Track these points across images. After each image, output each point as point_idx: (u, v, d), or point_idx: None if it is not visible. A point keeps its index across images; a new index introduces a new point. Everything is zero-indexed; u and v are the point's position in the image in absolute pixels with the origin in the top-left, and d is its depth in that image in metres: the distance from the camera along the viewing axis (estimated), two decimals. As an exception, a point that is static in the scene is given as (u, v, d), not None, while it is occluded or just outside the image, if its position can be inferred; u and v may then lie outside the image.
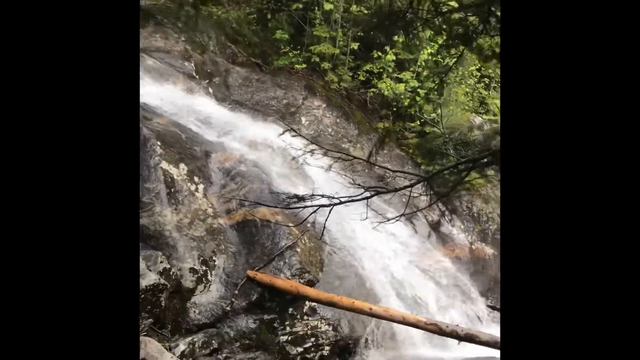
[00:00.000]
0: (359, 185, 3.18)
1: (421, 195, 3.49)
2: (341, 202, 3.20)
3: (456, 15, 3.37)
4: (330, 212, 3.27)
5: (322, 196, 3.15)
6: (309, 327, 7.36)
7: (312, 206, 3.17)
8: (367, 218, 3.35)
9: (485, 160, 2.86)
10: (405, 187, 3.24)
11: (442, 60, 9.99)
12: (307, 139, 3.68)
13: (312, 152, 3.30)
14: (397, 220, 3.52)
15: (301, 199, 3.17)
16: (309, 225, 7.60)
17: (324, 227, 3.46)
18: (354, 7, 9.56)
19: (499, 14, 2.97)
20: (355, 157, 3.60)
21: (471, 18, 3.22)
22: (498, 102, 10.91)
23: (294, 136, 3.75)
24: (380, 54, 9.87)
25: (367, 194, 3.19)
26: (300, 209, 3.18)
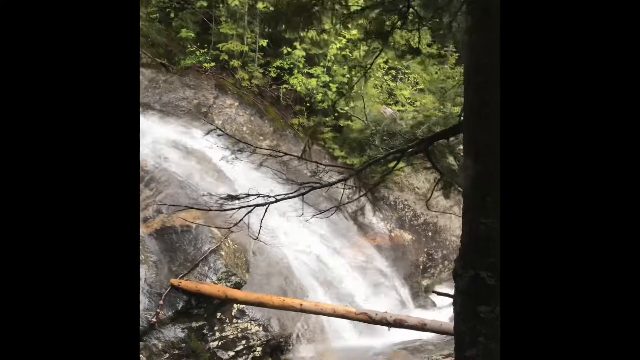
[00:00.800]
0: (292, 181, 3.14)
1: (349, 188, 3.51)
2: (277, 200, 3.16)
3: (372, 13, 3.41)
4: (266, 211, 3.21)
5: (258, 195, 3.08)
6: (239, 329, 7.28)
7: (247, 206, 3.09)
8: (303, 214, 3.33)
9: (411, 150, 2.92)
10: (339, 181, 3.25)
11: (350, 54, 10.17)
12: (235, 137, 3.57)
13: (241, 150, 3.21)
14: (333, 213, 3.53)
15: (235, 198, 3.08)
16: (232, 227, 7.47)
17: (260, 227, 3.39)
18: (260, 5, 9.46)
19: (417, 8, 3.06)
20: (286, 153, 3.55)
21: (387, 13, 3.27)
22: (406, 92, 11.29)
23: (219, 135, 3.62)
24: (289, 49, 9.85)
25: (303, 190, 3.17)
26: (235, 209, 3.09)
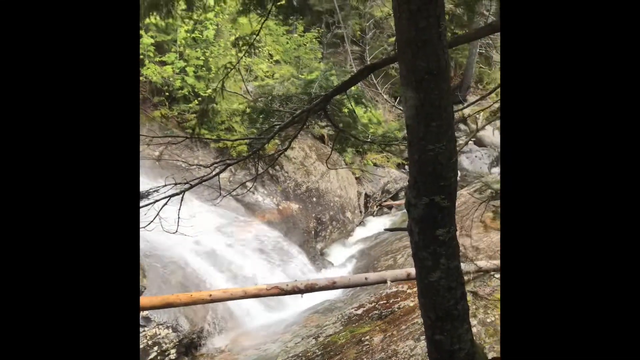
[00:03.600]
0: (199, 165, 3.00)
1: (253, 162, 3.44)
2: (192, 186, 3.00)
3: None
4: (182, 199, 3.04)
5: (176, 184, 2.89)
6: (148, 337, 7.01)
7: (163, 198, 2.90)
8: (220, 196, 3.21)
9: (316, 108, 2.93)
10: (254, 152, 3.17)
11: (201, 36, 9.88)
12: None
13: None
14: (249, 190, 3.44)
15: (145, 194, 2.88)
16: (147, 226, 7.01)
17: (179, 218, 3.21)
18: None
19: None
20: (186, 137, 3.38)
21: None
22: (263, 66, 11.27)
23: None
24: (135, 40, 9.30)
25: (218, 169, 3.05)
26: (151, 204, 2.89)
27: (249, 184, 7.75)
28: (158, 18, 8.92)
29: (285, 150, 3.26)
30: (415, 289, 7.61)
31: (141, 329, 6.97)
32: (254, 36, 3.25)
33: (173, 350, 7.20)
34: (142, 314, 6.98)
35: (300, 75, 10.59)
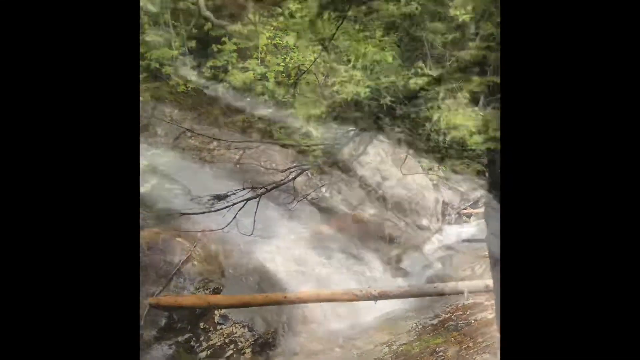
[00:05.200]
0: (274, 169, 3.08)
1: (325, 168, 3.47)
2: (267, 190, 3.09)
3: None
4: (258, 204, 3.14)
5: (252, 188, 2.99)
6: (225, 335, 7.21)
7: (241, 201, 3.00)
8: (295, 200, 3.27)
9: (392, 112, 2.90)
10: (329, 157, 3.20)
11: (281, 42, 10.08)
12: (207, 136, 3.45)
13: (215, 148, 3.12)
14: (323, 194, 3.47)
15: (223, 197, 2.99)
16: (199, 234, 7.32)
17: (255, 221, 3.31)
18: (181, 3, 9.20)
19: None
20: (264, 142, 3.47)
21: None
22: (341, 71, 11.32)
23: (191, 136, 3.50)
24: (219, 47, 9.66)
25: (294, 173, 3.12)
26: (229, 207, 3.00)
27: (323, 189, 7.83)
28: (240, 25, 9.20)
29: (360, 155, 3.25)
30: (494, 302, 7.32)
31: (218, 327, 7.19)
32: (330, 39, 3.26)
33: (248, 350, 7.36)
34: (220, 312, 7.20)
35: (377, 79, 10.54)
